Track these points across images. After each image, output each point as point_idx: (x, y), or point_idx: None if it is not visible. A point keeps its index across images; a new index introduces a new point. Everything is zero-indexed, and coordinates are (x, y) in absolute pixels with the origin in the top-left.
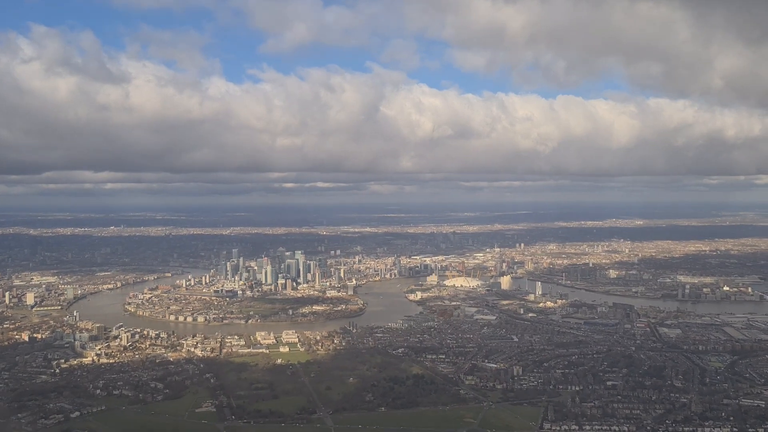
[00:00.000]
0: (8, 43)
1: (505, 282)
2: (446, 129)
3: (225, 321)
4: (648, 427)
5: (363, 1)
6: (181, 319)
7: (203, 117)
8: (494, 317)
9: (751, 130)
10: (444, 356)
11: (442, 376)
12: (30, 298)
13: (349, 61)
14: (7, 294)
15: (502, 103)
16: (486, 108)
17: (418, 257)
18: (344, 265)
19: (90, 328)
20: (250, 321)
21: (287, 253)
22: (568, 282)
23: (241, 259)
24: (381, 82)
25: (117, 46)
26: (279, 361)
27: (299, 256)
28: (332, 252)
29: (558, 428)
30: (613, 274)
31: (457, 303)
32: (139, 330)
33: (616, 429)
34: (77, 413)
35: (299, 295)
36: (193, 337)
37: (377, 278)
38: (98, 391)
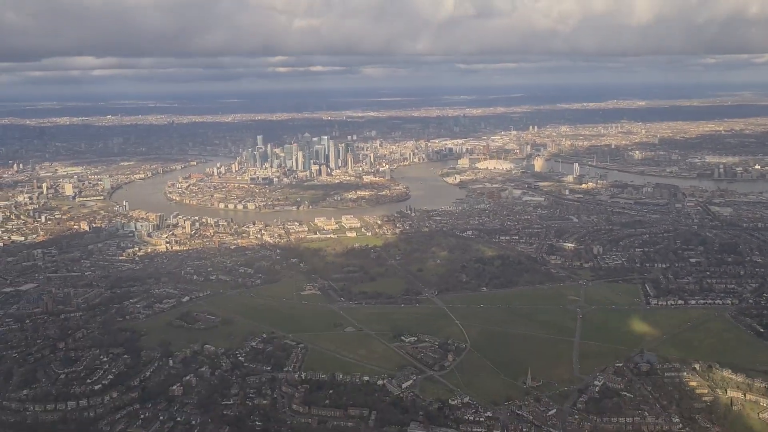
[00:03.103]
0: None
1: (539, 164)
2: (468, 7)
3: (276, 208)
4: (750, 300)
5: None
6: (230, 207)
7: None
8: (542, 199)
9: None
10: (517, 237)
11: (525, 256)
12: (69, 189)
13: None
14: (44, 185)
15: None
16: None
17: (437, 141)
18: (371, 149)
19: (145, 216)
20: (301, 207)
21: (314, 139)
22: (599, 163)
23: (268, 146)
24: None
25: None
26: (355, 245)
27: (327, 141)
28: (349, 137)
29: (664, 303)
30: (638, 155)
31: (498, 185)
32: (197, 218)
33: (720, 302)
34: (187, 298)
35: (336, 180)
36: (253, 224)
37: (406, 163)
38: (195, 277)
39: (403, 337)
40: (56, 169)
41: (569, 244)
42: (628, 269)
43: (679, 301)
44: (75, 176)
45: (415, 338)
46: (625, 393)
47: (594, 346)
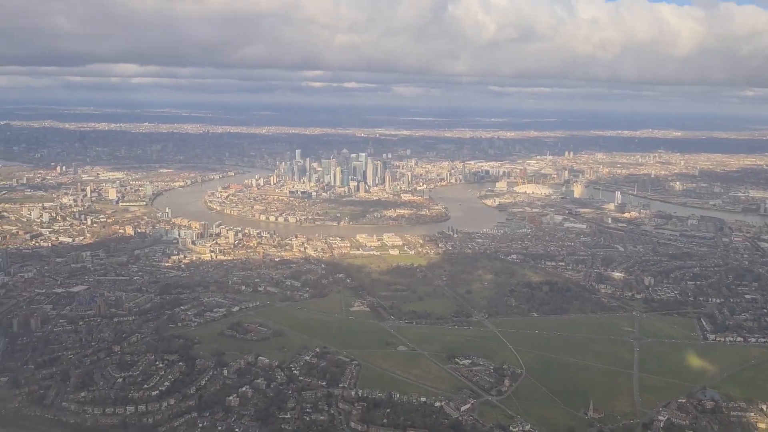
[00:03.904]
0: None
1: (578, 190)
2: (511, 31)
3: (317, 222)
4: None
5: None
6: (272, 219)
7: (270, 10)
8: (584, 226)
9: None
10: (563, 263)
11: (573, 283)
12: (112, 193)
13: None
14: (87, 188)
15: (569, 3)
16: (551, 10)
17: (473, 162)
18: (407, 168)
19: (187, 224)
20: (341, 223)
21: (352, 155)
22: (639, 193)
23: (307, 160)
24: None
25: None
26: (399, 263)
27: (365, 158)
28: (384, 155)
29: (722, 339)
30: (678, 186)
31: (538, 210)
32: (239, 228)
33: None
34: (237, 308)
35: (374, 198)
36: (296, 237)
37: (443, 183)
38: (243, 287)
39: (457, 359)
40: (98, 173)
41: (618, 274)
42: (681, 302)
43: (738, 338)
44: (117, 181)
45: (469, 361)
46: (691, 430)
47: (653, 379)
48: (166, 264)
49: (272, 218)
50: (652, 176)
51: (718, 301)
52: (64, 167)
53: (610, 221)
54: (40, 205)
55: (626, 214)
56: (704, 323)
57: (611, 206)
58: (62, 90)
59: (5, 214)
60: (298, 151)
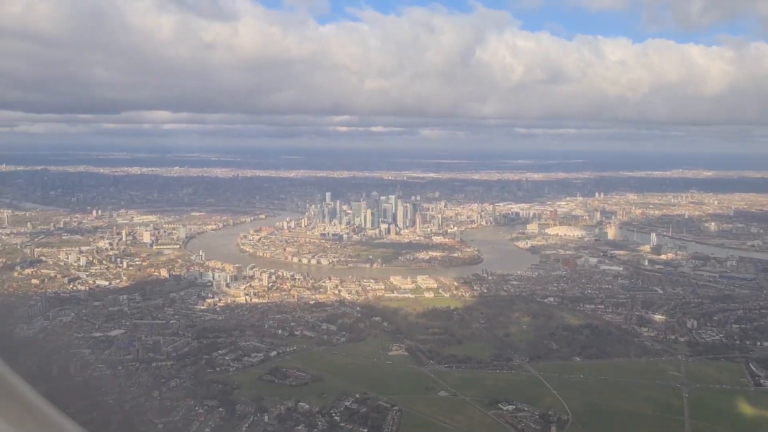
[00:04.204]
0: None
1: (612, 232)
2: (539, 73)
3: (349, 264)
4: None
5: None
6: (304, 261)
7: (300, 57)
8: (620, 268)
9: None
10: (602, 306)
11: (614, 326)
12: (147, 236)
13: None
14: (123, 231)
15: (596, 46)
16: (579, 52)
17: (502, 204)
18: (436, 211)
19: (221, 267)
20: (374, 265)
21: (382, 198)
22: (674, 234)
23: (337, 202)
24: (483, 23)
25: None
26: (435, 306)
27: (394, 201)
28: (413, 197)
29: None
30: (713, 226)
31: (572, 252)
32: (273, 271)
33: None
34: (274, 352)
35: (406, 240)
36: (329, 280)
37: (474, 225)
38: (279, 331)
39: (500, 405)
40: (132, 217)
41: (659, 316)
42: (728, 346)
43: None
44: (150, 224)
45: (513, 407)
46: None
47: (707, 427)
48: (202, 307)
49: (305, 260)
50: (686, 217)
51: (767, 344)
52: (99, 211)
53: (646, 263)
54: (77, 248)
55: (663, 256)
56: (753, 368)
57: (647, 248)
58: (96, 136)
59: (43, 258)
60: (328, 194)
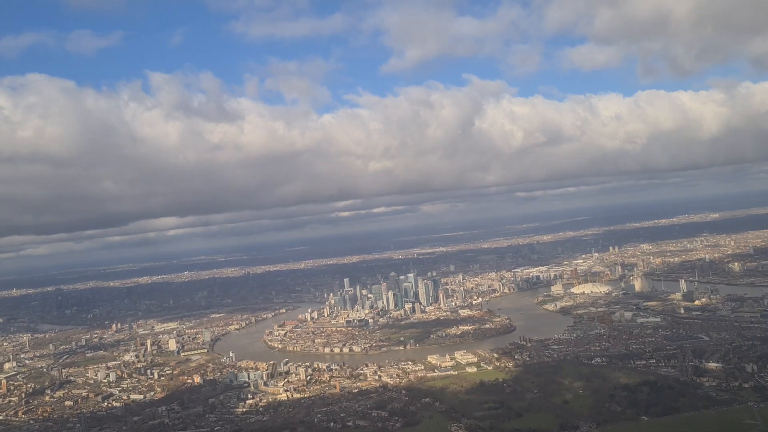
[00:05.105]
0: (128, 93)
1: (638, 284)
2: (539, 136)
3: (383, 349)
4: None
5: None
6: (336, 350)
7: (305, 147)
8: (658, 319)
9: None
10: (653, 361)
11: (671, 380)
12: (172, 344)
13: (448, 76)
14: (147, 342)
15: (590, 103)
16: (574, 112)
17: (520, 270)
18: (456, 284)
19: (254, 366)
20: (407, 346)
21: (401, 278)
22: (701, 278)
23: (356, 288)
24: (480, 94)
25: (238, 83)
26: (481, 380)
27: (414, 279)
28: (428, 273)
29: None
30: (737, 267)
31: (603, 309)
32: (308, 364)
33: None
34: None
35: (432, 317)
36: (367, 366)
37: (497, 294)
38: (331, 424)
39: None
40: (152, 326)
41: (714, 364)
42: None
43: None
44: (173, 331)
45: None
46: None
47: None
48: (243, 409)
49: (336, 350)
50: (707, 260)
51: None
52: (118, 324)
53: (682, 311)
54: (104, 365)
55: (697, 302)
56: None
57: (678, 295)
58: (102, 250)
59: (72, 378)
60: (346, 280)
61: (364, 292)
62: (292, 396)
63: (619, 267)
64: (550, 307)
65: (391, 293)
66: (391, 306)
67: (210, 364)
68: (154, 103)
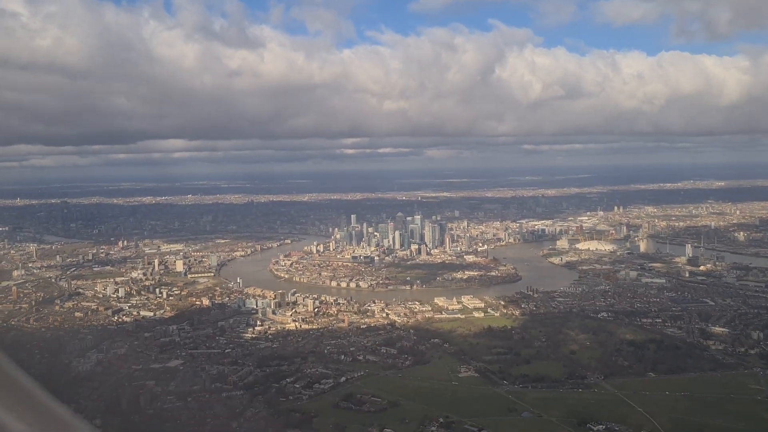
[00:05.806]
0: (149, 10)
1: (644, 245)
2: (558, 89)
3: (389, 287)
4: None
5: None
6: (342, 285)
7: (322, 81)
8: (663, 280)
9: None
10: (659, 320)
11: (678, 340)
12: (179, 266)
13: (474, 20)
14: (155, 261)
15: (613, 60)
16: (596, 67)
17: (524, 221)
18: (461, 230)
19: (261, 294)
20: (414, 287)
21: (408, 219)
22: (706, 244)
23: (364, 225)
24: (504, 41)
25: (263, 9)
26: (489, 325)
27: (420, 221)
28: (433, 217)
29: None
30: (742, 236)
31: (608, 267)
32: (316, 296)
33: None
34: (343, 378)
35: (438, 260)
36: (374, 303)
37: (502, 243)
38: (342, 357)
39: (590, 425)
40: (159, 246)
41: (720, 329)
42: None
43: None
44: (179, 253)
45: (603, 426)
46: None
47: None
48: (252, 335)
49: (343, 284)
50: (712, 227)
51: None
52: (125, 241)
53: (687, 275)
54: (112, 280)
55: (702, 267)
56: None
57: (683, 259)
58: (105, 167)
59: (81, 291)
60: (353, 216)
61: (370, 229)
62: (300, 326)
63: (624, 227)
64: (555, 260)
65: (397, 233)
66: (397, 246)
67: (217, 288)
68: (175, 24)
